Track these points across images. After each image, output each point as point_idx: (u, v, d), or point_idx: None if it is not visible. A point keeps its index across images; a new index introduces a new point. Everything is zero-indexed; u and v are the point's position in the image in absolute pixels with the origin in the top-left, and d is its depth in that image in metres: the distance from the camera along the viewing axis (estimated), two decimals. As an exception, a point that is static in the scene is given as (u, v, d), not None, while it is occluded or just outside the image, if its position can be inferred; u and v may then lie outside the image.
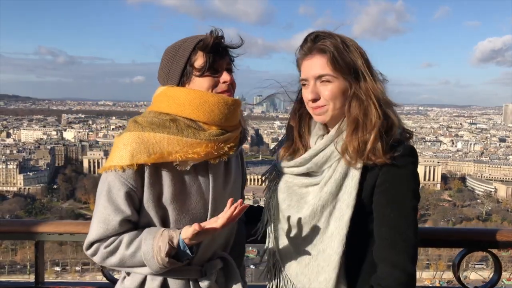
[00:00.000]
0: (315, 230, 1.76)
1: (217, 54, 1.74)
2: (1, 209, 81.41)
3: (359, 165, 1.68)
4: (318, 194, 1.74)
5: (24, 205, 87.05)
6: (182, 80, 1.75)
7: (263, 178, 2.07)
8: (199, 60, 1.72)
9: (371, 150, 1.65)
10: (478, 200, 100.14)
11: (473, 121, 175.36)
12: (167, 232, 1.67)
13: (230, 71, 1.81)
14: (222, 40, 1.77)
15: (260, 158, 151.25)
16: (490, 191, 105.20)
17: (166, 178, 1.70)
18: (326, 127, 1.86)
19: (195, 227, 1.59)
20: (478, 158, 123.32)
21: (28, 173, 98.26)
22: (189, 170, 1.71)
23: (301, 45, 1.81)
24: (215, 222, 1.62)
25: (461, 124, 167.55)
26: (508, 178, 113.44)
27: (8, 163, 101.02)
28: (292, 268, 1.86)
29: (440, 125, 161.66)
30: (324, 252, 1.75)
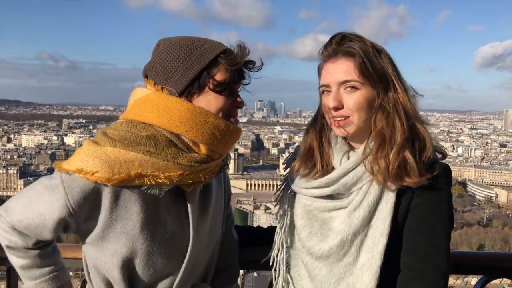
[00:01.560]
0: (343, 262, 1.54)
1: (239, 73, 1.53)
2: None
3: (394, 187, 1.49)
4: (347, 220, 1.53)
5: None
6: (190, 89, 1.48)
7: (275, 199, 1.85)
8: (221, 74, 1.48)
9: (402, 170, 1.47)
10: (478, 205, 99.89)
11: (474, 126, 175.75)
12: None
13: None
14: (248, 60, 1.54)
15: (261, 163, 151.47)
16: (491, 197, 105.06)
17: (135, 202, 1.45)
18: (346, 142, 1.65)
19: None
20: (479, 163, 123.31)
21: (28, 178, 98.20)
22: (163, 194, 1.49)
23: (324, 46, 1.60)
24: None
25: (461, 129, 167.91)
26: (509, 184, 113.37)
27: (9, 168, 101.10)
28: None
29: (441, 130, 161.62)
30: (353, 286, 1.54)
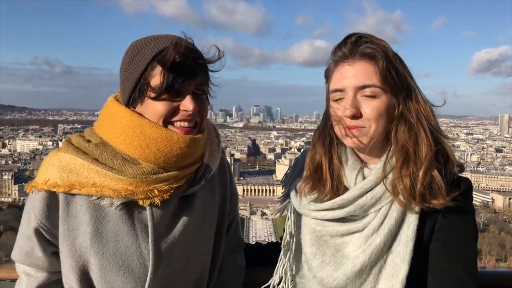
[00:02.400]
0: None
1: (180, 73, 1.32)
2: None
3: (417, 208, 1.34)
4: (363, 246, 1.37)
5: (19, 216, 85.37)
6: (134, 96, 1.36)
7: (274, 214, 1.71)
8: (157, 78, 1.31)
9: (427, 189, 1.31)
10: (475, 210, 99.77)
11: (470, 131, 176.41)
12: None
13: (200, 94, 1.40)
14: (193, 54, 1.34)
15: (257, 168, 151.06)
16: (487, 202, 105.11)
17: (84, 212, 1.37)
18: (359, 157, 1.48)
19: None
20: (475, 169, 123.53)
21: (23, 183, 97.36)
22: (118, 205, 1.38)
23: (338, 47, 1.41)
24: None
25: (457, 134, 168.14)
26: (505, 189, 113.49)
27: (3, 173, 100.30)
28: None
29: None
30: None
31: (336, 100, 1.42)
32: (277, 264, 1.62)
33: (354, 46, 1.38)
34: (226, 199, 1.67)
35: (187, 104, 1.34)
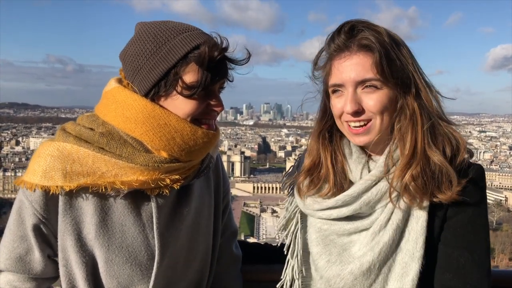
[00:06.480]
0: None
1: (216, 73, 1.29)
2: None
3: (426, 202, 1.27)
4: (371, 244, 1.30)
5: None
6: (156, 90, 1.27)
7: (280, 225, 1.61)
8: (191, 75, 1.25)
9: (433, 183, 1.26)
10: (488, 209, 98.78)
11: (483, 129, 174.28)
12: None
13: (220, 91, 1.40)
14: (227, 56, 1.32)
15: (267, 166, 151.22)
16: (500, 200, 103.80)
17: (88, 203, 1.32)
18: (364, 150, 1.42)
19: None
20: (488, 167, 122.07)
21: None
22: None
23: (331, 39, 1.34)
24: None
25: (470, 132, 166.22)
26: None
27: (17, 170, 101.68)
28: None
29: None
30: None
31: (334, 95, 1.36)
32: (285, 266, 1.55)
33: (349, 37, 1.30)
34: (220, 185, 1.67)
35: (219, 104, 1.34)
